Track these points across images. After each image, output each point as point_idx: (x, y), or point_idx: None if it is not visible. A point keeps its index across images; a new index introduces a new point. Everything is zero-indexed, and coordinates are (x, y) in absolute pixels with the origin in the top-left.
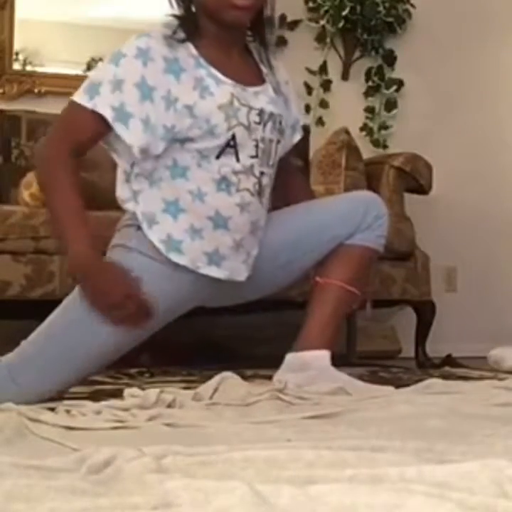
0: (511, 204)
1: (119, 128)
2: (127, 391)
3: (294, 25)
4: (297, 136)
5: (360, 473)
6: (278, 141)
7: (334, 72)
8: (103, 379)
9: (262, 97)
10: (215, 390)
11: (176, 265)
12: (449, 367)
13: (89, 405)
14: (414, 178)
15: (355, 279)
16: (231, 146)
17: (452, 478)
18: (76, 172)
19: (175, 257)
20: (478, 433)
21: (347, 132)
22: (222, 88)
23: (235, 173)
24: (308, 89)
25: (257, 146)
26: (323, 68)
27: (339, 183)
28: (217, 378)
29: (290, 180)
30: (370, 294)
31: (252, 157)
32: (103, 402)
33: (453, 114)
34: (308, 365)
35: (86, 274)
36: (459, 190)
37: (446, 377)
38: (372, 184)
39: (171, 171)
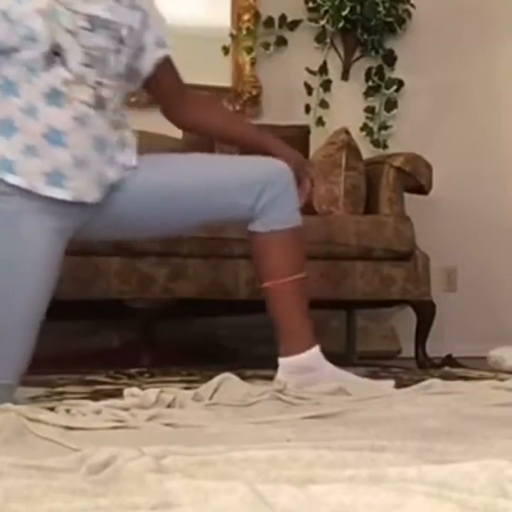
0: (511, 204)
1: None
2: (127, 391)
3: (294, 25)
4: (163, 51)
5: (360, 473)
6: (118, 51)
7: (334, 72)
8: (103, 379)
9: (94, 3)
10: (215, 390)
11: (17, 189)
12: (449, 367)
13: (90, 405)
14: (414, 178)
15: (298, 264)
16: (56, 53)
17: (452, 478)
18: None
19: (10, 178)
20: (478, 433)
21: (347, 132)
22: None
23: (66, 83)
24: (308, 89)
25: (88, 54)
26: (323, 68)
27: (339, 184)
28: (217, 378)
29: (189, 103)
30: None
31: (83, 65)
32: (103, 402)
33: (453, 114)
34: (306, 366)
35: None
36: (459, 190)
37: (446, 377)
38: (372, 184)
39: (2, 89)
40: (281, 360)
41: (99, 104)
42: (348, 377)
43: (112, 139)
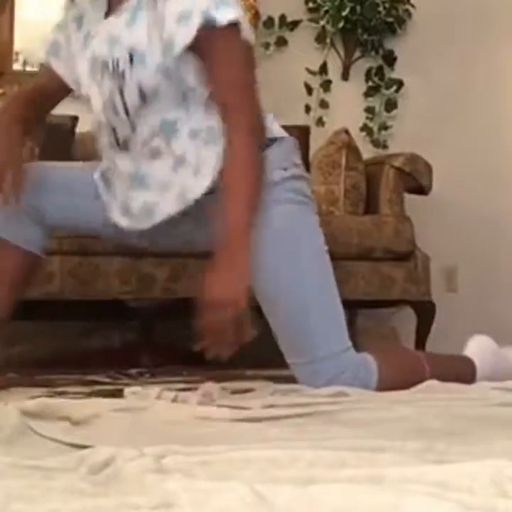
0: (511, 204)
1: None
2: (127, 390)
3: (294, 25)
4: (193, 28)
5: (360, 473)
6: (121, 87)
7: (334, 72)
8: (103, 379)
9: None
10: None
11: None
12: None
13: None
14: (414, 179)
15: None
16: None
17: (452, 478)
18: None
19: None
20: (478, 433)
21: (347, 132)
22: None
23: (99, 126)
24: (308, 89)
25: (102, 99)
26: (323, 68)
27: (339, 184)
28: None
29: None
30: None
31: (101, 110)
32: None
33: (453, 114)
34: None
35: None
36: (459, 190)
37: None
38: (372, 184)
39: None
40: None
41: (123, 145)
42: None
43: (154, 175)
